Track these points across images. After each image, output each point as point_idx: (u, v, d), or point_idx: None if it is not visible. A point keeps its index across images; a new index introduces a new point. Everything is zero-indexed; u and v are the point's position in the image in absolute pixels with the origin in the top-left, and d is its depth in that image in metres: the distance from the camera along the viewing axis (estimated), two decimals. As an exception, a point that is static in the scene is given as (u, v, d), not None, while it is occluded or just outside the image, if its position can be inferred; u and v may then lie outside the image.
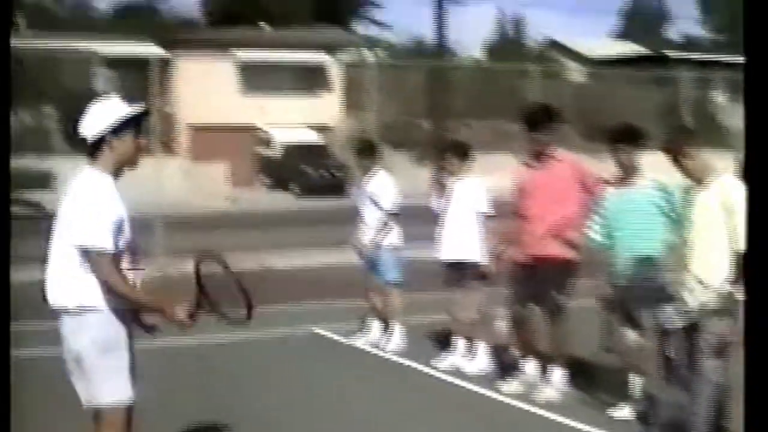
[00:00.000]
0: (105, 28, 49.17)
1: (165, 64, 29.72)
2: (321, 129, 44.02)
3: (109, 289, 4.96)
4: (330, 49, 46.45)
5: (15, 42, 34.66)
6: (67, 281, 5.00)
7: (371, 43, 63.41)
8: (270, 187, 42.62)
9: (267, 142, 42.90)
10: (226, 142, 40.92)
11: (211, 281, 5.55)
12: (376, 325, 11.02)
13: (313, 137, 42.88)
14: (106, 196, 5.06)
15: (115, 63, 41.19)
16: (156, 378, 9.40)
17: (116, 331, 5.09)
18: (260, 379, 9.76)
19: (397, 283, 10.82)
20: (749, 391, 4.03)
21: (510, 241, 8.88)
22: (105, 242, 4.93)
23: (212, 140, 41.03)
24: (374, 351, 10.69)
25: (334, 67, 45.82)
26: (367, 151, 11.15)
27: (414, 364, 10.00)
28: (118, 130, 5.13)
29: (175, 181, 32.27)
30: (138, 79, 33.72)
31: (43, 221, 21.80)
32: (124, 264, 5.10)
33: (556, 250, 8.32)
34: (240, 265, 17.47)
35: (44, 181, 32.32)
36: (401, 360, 10.24)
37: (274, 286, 16.19)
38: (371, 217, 10.82)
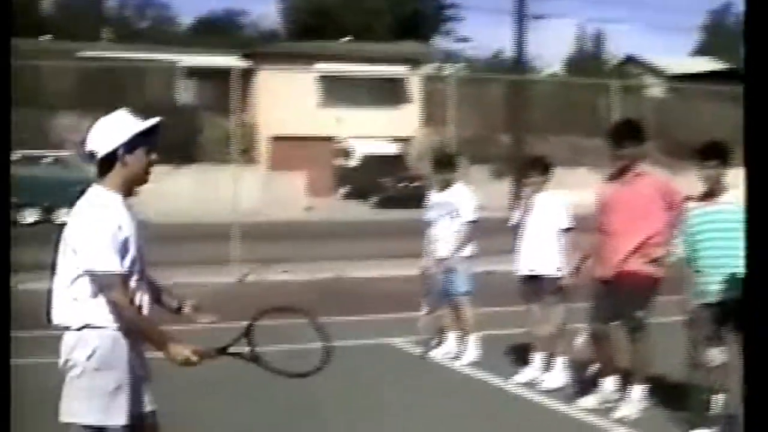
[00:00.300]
0: (188, 40, 49.70)
1: (246, 76, 29.92)
2: (399, 141, 44.10)
3: (116, 313, 4.77)
4: (409, 62, 46.50)
5: (100, 53, 35.51)
6: (72, 300, 4.80)
7: (450, 57, 63.45)
8: (348, 197, 42.77)
9: (346, 153, 43.10)
10: (305, 153, 41.18)
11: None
12: (451, 338, 10.95)
13: (391, 149, 42.99)
14: (115, 217, 4.84)
15: (197, 74, 41.66)
16: (225, 385, 9.60)
17: (117, 351, 4.85)
18: (331, 388, 9.73)
19: (470, 295, 10.75)
20: (750, 390, 3.94)
21: (591, 257, 8.78)
22: (113, 265, 4.72)
23: (291, 151, 41.32)
24: (448, 364, 10.61)
25: (413, 80, 45.85)
26: (445, 164, 11.10)
27: (489, 378, 9.91)
28: (130, 145, 4.90)
29: (254, 190, 32.55)
30: (219, 90, 34.24)
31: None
32: (132, 286, 4.91)
33: (638, 266, 8.20)
34: (315, 274, 17.75)
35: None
36: (476, 373, 10.15)
37: (350, 296, 16.25)
38: (446, 229, 10.75)
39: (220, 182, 33.80)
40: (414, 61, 47.37)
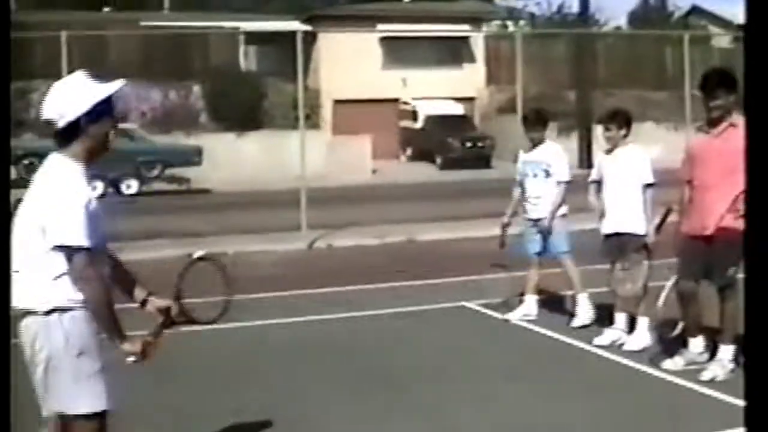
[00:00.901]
0: (249, 6, 49.62)
1: (308, 40, 29.75)
2: (465, 101, 43.77)
3: (87, 291, 4.43)
4: (472, 21, 46.01)
5: (163, 22, 35.52)
6: (37, 281, 4.46)
7: (513, 14, 62.79)
8: (413, 159, 42.59)
9: (411, 115, 42.86)
10: (369, 116, 40.97)
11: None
12: (532, 300, 10.67)
13: (456, 109, 42.66)
14: (84, 189, 4.49)
15: (260, 40, 41.56)
16: (309, 347, 9.48)
17: (89, 332, 4.54)
18: (408, 350, 9.55)
19: (570, 255, 10.43)
20: (750, 391, 3.72)
21: (678, 212, 8.44)
22: (80, 239, 4.38)
23: (356, 114, 41.15)
24: (526, 325, 10.33)
25: (477, 39, 45.40)
26: (536, 121, 10.73)
27: (570, 340, 9.62)
28: (94, 114, 4.55)
29: (319, 155, 32.44)
30: (282, 55, 34.13)
31: (189, 197, 22.13)
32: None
33: (731, 221, 7.81)
34: (385, 238, 17.61)
35: (192, 157, 32.71)
36: (556, 335, 9.86)
37: (419, 259, 16.05)
38: (538, 188, 10.42)
39: (285, 148, 33.91)
40: (477, 20, 46.83)
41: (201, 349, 9.68)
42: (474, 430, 7.01)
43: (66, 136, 4.55)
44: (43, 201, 4.44)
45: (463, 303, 11.56)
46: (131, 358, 4.60)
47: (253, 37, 41.77)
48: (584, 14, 41.27)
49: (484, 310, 11.20)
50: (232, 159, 35.69)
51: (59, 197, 4.41)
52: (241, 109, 38.07)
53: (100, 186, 30.07)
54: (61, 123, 4.52)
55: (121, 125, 33.99)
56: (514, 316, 10.59)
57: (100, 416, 4.59)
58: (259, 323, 10.83)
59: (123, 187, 30.77)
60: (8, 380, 4.24)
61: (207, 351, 9.58)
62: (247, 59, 43.50)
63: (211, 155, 33.24)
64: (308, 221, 17.91)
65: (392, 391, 8.10)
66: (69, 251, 4.38)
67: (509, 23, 59.29)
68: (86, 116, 4.51)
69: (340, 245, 17.57)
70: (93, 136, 4.57)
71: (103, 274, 4.55)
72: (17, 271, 4.51)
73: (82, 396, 4.52)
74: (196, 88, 39.76)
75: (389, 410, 7.53)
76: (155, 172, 32.47)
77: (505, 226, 10.89)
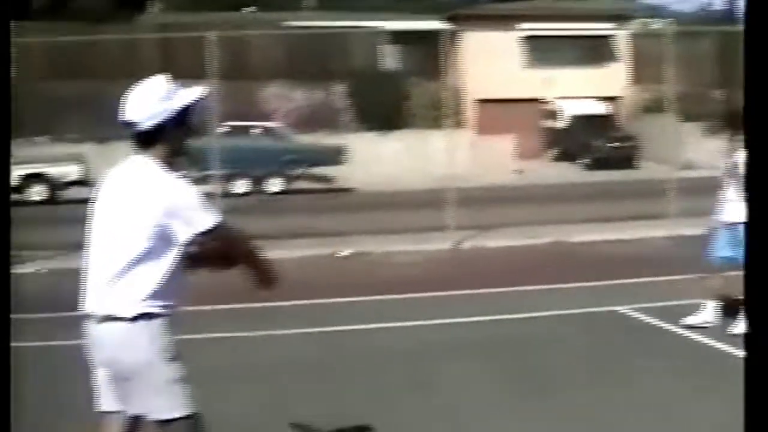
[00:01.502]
0: (390, 5, 49.79)
1: (451, 39, 29.65)
2: (608, 100, 43.14)
3: (234, 257, 4.63)
4: (615, 19, 45.30)
5: (304, 22, 35.67)
6: (122, 286, 4.43)
7: (656, 11, 61.71)
8: (557, 159, 42.15)
9: (554, 115, 42.44)
10: (512, 115, 40.73)
11: None
12: (710, 306, 10.25)
13: (601, 109, 42.05)
14: (181, 182, 4.50)
15: (401, 39, 41.64)
16: (460, 348, 9.37)
17: (172, 339, 4.56)
18: (560, 353, 9.37)
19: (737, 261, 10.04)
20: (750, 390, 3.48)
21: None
22: (213, 217, 4.47)
23: (498, 113, 40.96)
24: (680, 331, 10.01)
25: (619, 37, 44.69)
26: (738, 122, 10.35)
27: (724, 347, 9.26)
28: (178, 118, 4.56)
29: (462, 154, 32.30)
30: (423, 54, 34.11)
31: (332, 196, 22.22)
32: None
33: None
34: (533, 239, 17.40)
35: (335, 156, 32.92)
36: (715, 343, 9.51)
37: (568, 261, 15.80)
38: (733, 192, 10.06)
39: (428, 148, 33.90)
40: (619, 18, 46.05)
41: (352, 350, 9.67)
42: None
43: (147, 139, 4.56)
44: (159, 199, 4.42)
45: (616, 307, 11.28)
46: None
47: (395, 37, 41.88)
48: (730, 11, 40.29)
49: (636, 315, 10.91)
50: (375, 158, 35.84)
51: (181, 192, 4.46)
52: (384, 108, 38.21)
53: (244, 184, 30.56)
54: (145, 126, 4.53)
55: (266, 124, 34.57)
56: (693, 321, 10.21)
57: (188, 419, 4.56)
58: (408, 324, 10.79)
59: (267, 185, 31.15)
60: (8, 380, 4.21)
61: (358, 353, 9.56)
62: (389, 59, 43.61)
63: (354, 154, 33.43)
64: (453, 221, 17.77)
65: (545, 393, 7.96)
66: (214, 229, 4.45)
67: (652, 21, 58.25)
68: (170, 121, 4.53)
69: (487, 246, 17.41)
70: (172, 141, 4.59)
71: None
72: (94, 275, 4.54)
73: (170, 401, 4.52)
74: (339, 88, 40.03)
75: (543, 413, 7.39)
76: (299, 171, 32.80)
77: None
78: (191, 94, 4.61)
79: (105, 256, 4.50)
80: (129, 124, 4.55)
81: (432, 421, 7.00)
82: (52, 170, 30.16)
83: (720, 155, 10.40)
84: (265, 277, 4.72)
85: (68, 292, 14.60)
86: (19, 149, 34.58)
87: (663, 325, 10.29)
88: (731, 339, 9.29)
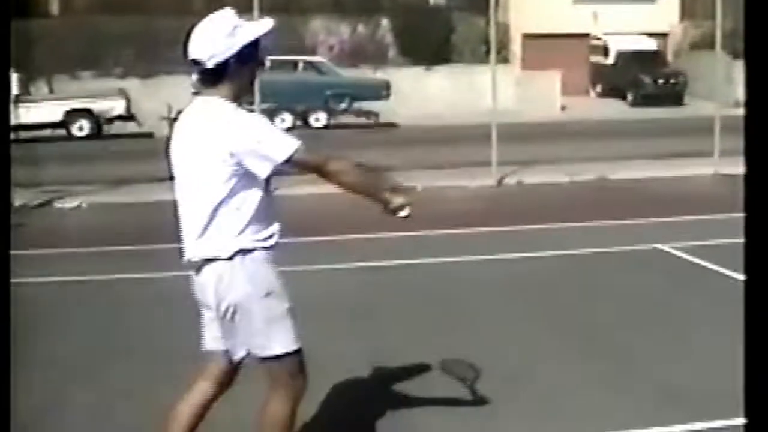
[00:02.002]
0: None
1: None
2: (657, 36, 42.57)
3: (327, 173, 4.38)
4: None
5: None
6: (215, 228, 4.36)
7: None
8: (604, 96, 41.76)
9: (601, 51, 41.96)
10: (559, 51, 40.29)
11: None
12: None
13: (650, 45, 41.51)
14: (246, 120, 4.35)
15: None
16: (503, 285, 9.36)
17: (271, 270, 4.45)
18: (603, 292, 9.33)
19: None
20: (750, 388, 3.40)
21: None
22: (296, 140, 4.30)
23: (545, 49, 40.54)
24: (722, 270, 9.89)
25: (670, -29, 44.03)
26: None
27: None
28: (244, 54, 4.37)
29: (508, 90, 32.08)
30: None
31: (377, 130, 22.19)
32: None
33: None
34: (576, 176, 17.31)
35: (380, 91, 32.81)
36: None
37: (611, 198, 15.71)
38: None
39: (474, 83, 33.71)
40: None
41: (394, 285, 9.69)
42: (669, 377, 6.73)
43: (214, 77, 4.40)
44: (233, 136, 4.29)
45: (658, 245, 11.19)
46: (404, 212, 4.53)
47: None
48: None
49: (679, 254, 10.81)
50: (420, 93, 35.69)
51: (252, 125, 4.33)
52: (430, 43, 37.96)
53: (289, 118, 30.56)
54: (210, 64, 4.35)
55: (310, 58, 34.46)
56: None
57: (294, 355, 4.51)
58: (452, 260, 10.81)
59: (312, 120, 31.13)
60: (8, 380, 4.19)
61: (400, 287, 9.58)
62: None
63: (399, 89, 33.32)
64: (498, 157, 17.67)
65: (586, 332, 7.94)
66: (295, 157, 4.28)
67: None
68: (236, 57, 4.35)
69: (531, 182, 17.34)
70: (241, 78, 4.43)
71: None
72: (186, 222, 4.49)
73: (275, 336, 4.44)
74: (385, 22, 39.80)
75: (583, 352, 7.37)
76: (343, 106, 32.73)
77: None
78: (257, 28, 4.44)
79: (193, 202, 4.43)
80: (195, 63, 4.40)
81: (472, 358, 6.98)
82: (97, 105, 30.26)
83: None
84: (380, 202, 4.54)
85: (108, 226, 14.81)
86: (63, 84, 34.92)
87: (706, 264, 10.21)
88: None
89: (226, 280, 4.38)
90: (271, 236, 4.46)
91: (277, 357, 4.47)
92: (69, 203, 16.12)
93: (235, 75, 4.38)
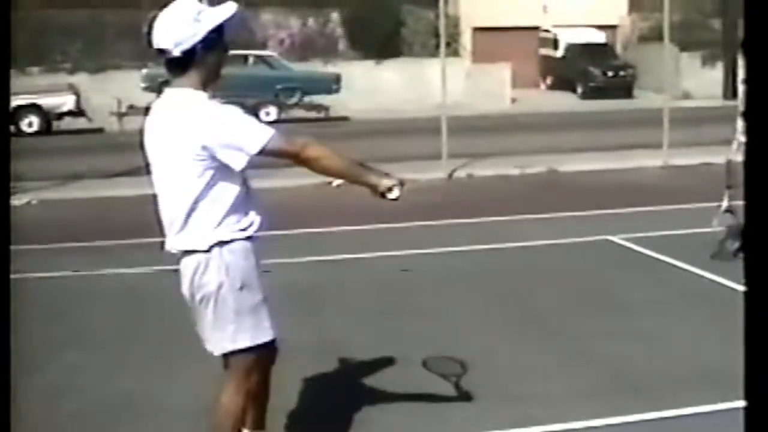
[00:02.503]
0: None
1: (448, -35, 29.40)
2: (606, 29, 42.83)
3: (307, 159, 4.32)
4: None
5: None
6: (195, 220, 4.32)
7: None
8: (554, 88, 41.99)
9: (551, 43, 42.18)
10: (509, 44, 40.47)
11: None
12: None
13: (599, 37, 41.78)
14: (216, 111, 4.28)
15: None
16: (454, 277, 9.41)
17: (250, 262, 4.44)
18: (554, 282, 9.41)
19: None
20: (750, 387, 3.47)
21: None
22: (270, 129, 4.27)
23: (496, 42, 40.69)
24: (669, 260, 10.00)
25: (618, -36, 44.32)
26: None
27: (722, 280, 9.28)
28: (209, 41, 4.30)
29: (459, 83, 32.16)
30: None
31: (328, 124, 22.19)
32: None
33: None
34: (526, 169, 17.41)
35: (330, 84, 32.81)
36: (703, 273, 9.52)
37: (561, 190, 15.82)
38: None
39: (424, 76, 33.75)
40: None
41: (346, 279, 9.72)
42: (626, 365, 6.82)
43: (181, 65, 4.33)
44: (203, 129, 4.23)
45: (608, 236, 11.29)
46: (394, 193, 4.49)
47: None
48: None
49: (629, 245, 10.92)
50: (371, 87, 35.70)
51: (223, 117, 4.26)
52: (380, 36, 37.96)
53: (240, 113, 30.47)
54: (176, 51, 4.28)
55: (260, 53, 34.37)
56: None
57: (260, 348, 4.52)
58: (401, 253, 10.82)
59: (262, 115, 30.97)
60: (8, 380, 4.17)
61: (352, 281, 9.61)
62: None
63: (349, 83, 33.32)
64: (448, 150, 17.74)
65: (535, 323, 8.01)
66: (270, 145, 4.23)
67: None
68: (202, 43, 4.28)
69: (482, 175, 17.42)
70: (208, 64, 4.36)
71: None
72: (165, 214, 4.44)
73: (244, 329, 4.44)
74: (335, 15, 39.74)
75: (532, 342, 7.42)
76: (294, 100, 32.69)
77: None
78: (221, 12, 4.35)
79: (171, 195, 4.38)
80: (161, 52, 4.33)
81: (421, 348, 7.03)
82: (46, 101, 29.96)
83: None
84: (367, 185, 4.50)
85: (60, 223, 14.68)
86: (12, 80, 34.53)
87: (655, 254, 10.31)
88: (722, 269, 9.30)
89: (201, 271, 4.38)
90: (250, 226, 4.44)
91: (242, 350, 4.47)
92: (19, 200, 15.98)
93: (202, 62, 4.33)
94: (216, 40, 4.34)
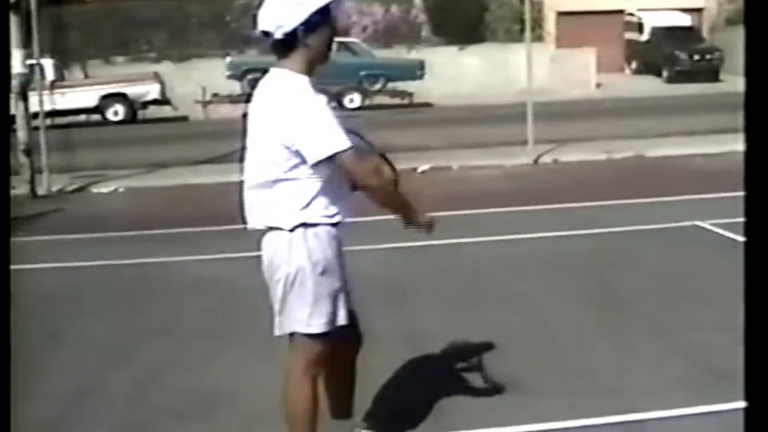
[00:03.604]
0: None
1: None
2: (692, 12, 42.20)
3: (376, 185, 4.30)
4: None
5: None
6: (282, 199, 4.29)
7: None
8: (639, 72, 41.49)
9: (636, 27, 41.65)
10: (594, 28, 40.04)
11: None
12: None
13: (685, 20, 41.16)
14: (317, 97, 4.25)
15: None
16: (541, 263, 9.31)
17: (333, 249, 4.40)
18: (642, 269, 9.26)
19: None
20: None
21: None
22: (344, 141, 4.19)
23: (580, 26, 40.30)
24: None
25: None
26: None
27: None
28: (311, 23, 4.26)
29: (543, 68, 31.90)
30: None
31: (411, 110, 22.16)
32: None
33: None
34: (613, 154, 17.18)
35: (414, 71, 32.77)
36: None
37: (649, 175, 15.60)
38: None
39: (508, 61, 33.54)
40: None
41: (431, 266, 9.66)
42: (715, 355, 6.66)
43: (284, 47, 4.30)
44: (284, 119, 4.21)
45: (697, 222, 11.09)
46: (425, 228, 4.69)
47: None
48: None
49: (718, 230, 10.70)
50: (454, 73, 35.58)
51: (303, 112, 4.20)
52: (463, 22, 37.82)
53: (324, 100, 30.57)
54: (278, 34, 4.26)
55: (344, 39, 34.44)
56: None
57: (330, 336, 4.47)
58: (489, 239, 10.76)
59: (346, 101, 31.06)
60: (8, 379, 4.13)
61: (438, 268, 9.55)
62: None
63: (433, 69, 33.23)
64: (534, 136, 17.59)
65: (623, 310, 7.88)
66: (336, 158, 4.18)
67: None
68: (303, 26, 4.24)
69: (567, 160, 17.26)
70: (311, 47, 4.31)
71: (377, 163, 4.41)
72: (255, 190, 4.40)
73: (320, 314, 4.40)
74: (418, 1, 39.70)
75: (621, 330, 7.30)
76: (378, 86, 32.74)
77: None
78: None
79: (259, 172, 4.35)
80: (266, 34, 4.32)
81: (511, 336, 6.95)
82: (131, 90, 30.34)
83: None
84: (406, 216, 4.65)
85: (145, 210, 14.85)
86: (97, 69, 35.06)
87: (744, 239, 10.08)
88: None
89: (283, 251, 4.35)
90: (337, 213, 4.39)
91: (312, 335, 4.44)
92: (105, 188, 16.19)
93: (304, 45, 4.29)
94: (320, 22, 4.29)
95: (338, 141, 4.18)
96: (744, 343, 3.26)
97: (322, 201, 4.33)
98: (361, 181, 4.29)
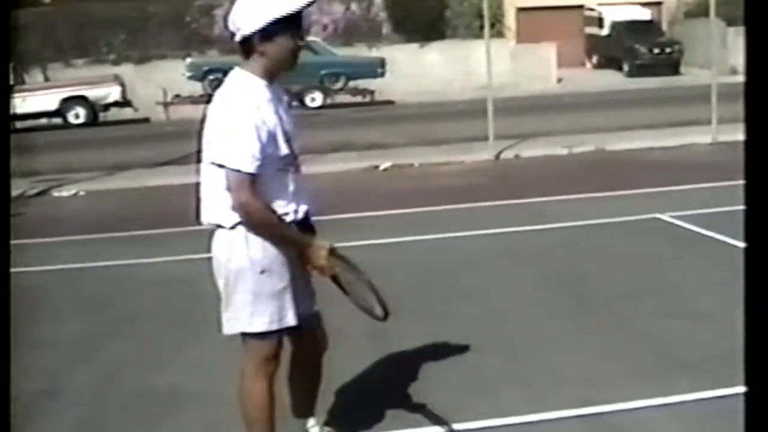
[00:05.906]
0: None
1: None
2: (651, 6, 42.47)
3: (244, 215, 4.21)
4: None
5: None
6: (224, 197, 4.23)
7: None
8: (600, 67, 41.71)
9: (597, 22, 41.85)
10: (554, 23, 40.25)
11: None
12: None
13: (644, 14, 41.41)
14: (258, 106, 4.20)
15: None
16: (503, 258, 9.36)
17: (276, 250, 4.32)
18: (602, 262, 9.31)
19: None
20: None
21: None
22: (245, 164, 4.11)
23: (540, 21, 40.48)
24: (722, 237, 9.85)
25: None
26: None
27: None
28: (267, 32, 4.19)
29: (503, 63, 32.01)
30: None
31: (373, 108, 22.13)
32: (280, 187, 4.34)
33: None
34: (574, 148, 17.33)
35: (375, 69, 32.79)
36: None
37: (610, 169, 15.69)
38: None
39: (469, 58, 33.64)
40: None
41: (394, 262, 9.68)
42: (677, 344, 6.72)
43: (244, 50, 4.29)
44: (217, 116, 4.23)
45: (657, 215, 11.17)
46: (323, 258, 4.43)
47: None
48: None
49: (678, 222, 10.80)
50: (415, 70, 35.64)
51: (231, 114, 4.18)
52: (424, 19, 37.87)
53: (284, 99, 30.54)
54: (237, 37, 4.27)
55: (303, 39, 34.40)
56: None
57: (279, 334, 4.47)
58: (450, 235, 10.77)
59: (307, 100, 31.05)
60: (8, 378, 4.15)
61: (400, 264, 9.57)
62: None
63: (394, 67, 33.26)
64: (495, 131, 17.65)
65: (586, 303, 7.92)
66: (229, 172, 4.14)
67: None
68: (260, 33, 4.19)
69: (529, 155, 17.35)
70: (268, 54, 4.24)
71: (263, 201, 4.27)
72: (205, 188, 4.39)
73: (261, 313, 4.37)
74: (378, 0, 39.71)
75: (587, 323, 7.34)
76: (339, 85, 32.74)
77: None
78: (286, 4, 4.22)
79: (206, 171, 4.32)
80: (232, 34, 4.31)
81: (471, 331, 6.99)
82: (92, 92, 30.20)
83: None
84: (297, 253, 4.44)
85: (107, 213, 14.76)
86: (57, 72, 34.82)
87: (705, 232, 10.19)
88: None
89: (224, 249, 4.35)
90: (285, 214, 4.37)
91: (258, 334, 4.42)
92: (67, 191, 16.10)
93: (262, 51, 4.25)
94: (280, 31, 4.23)
95: (238, 159, 4.13)
96: (744, 329, 3.29)
97: (269, 202, 4.31)
98: (233, 203, 4.21)
